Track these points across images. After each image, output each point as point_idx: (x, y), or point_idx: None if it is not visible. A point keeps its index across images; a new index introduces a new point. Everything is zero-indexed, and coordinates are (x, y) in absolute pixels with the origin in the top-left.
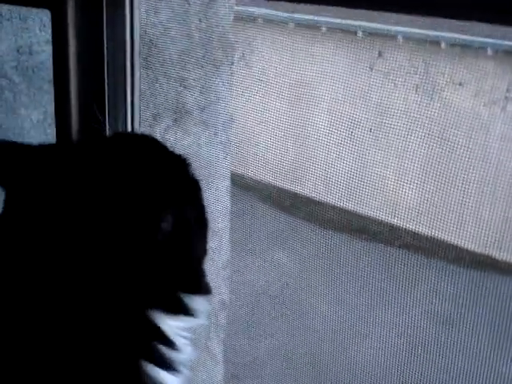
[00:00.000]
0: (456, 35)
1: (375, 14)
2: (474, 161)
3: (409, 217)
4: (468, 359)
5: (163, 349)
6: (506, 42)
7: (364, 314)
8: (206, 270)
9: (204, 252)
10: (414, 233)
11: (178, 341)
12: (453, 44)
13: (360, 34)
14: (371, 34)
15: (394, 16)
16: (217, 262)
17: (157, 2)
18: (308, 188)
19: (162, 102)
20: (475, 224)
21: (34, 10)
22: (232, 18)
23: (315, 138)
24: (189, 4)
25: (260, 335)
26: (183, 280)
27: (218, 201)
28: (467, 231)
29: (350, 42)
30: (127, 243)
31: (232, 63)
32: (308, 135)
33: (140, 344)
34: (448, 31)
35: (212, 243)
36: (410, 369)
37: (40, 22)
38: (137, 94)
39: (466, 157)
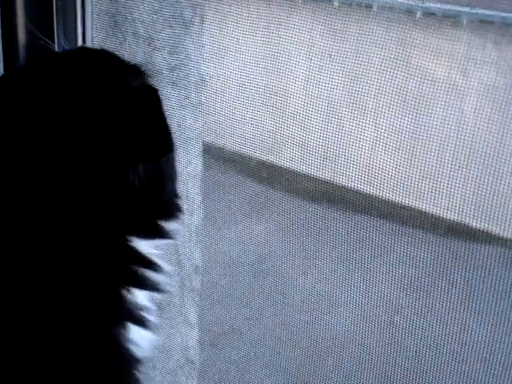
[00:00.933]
0: (432, 4)
1: None
2: (449, 129)
3: (385, 186)
4: (441, 325)
5: (144, 270)
6: (482, 11)
7: (340, 283)
8: (178, 232)
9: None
10: (390, 202)
11: (157, 261)
12: (428, 13)
13: (336, 3)
14: (347, 4)
15: None
16: (189, 226)
17: None
18: (284, 158)
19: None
20: (450, 192)
21: None
22: None
23: (291, 107)
24: None
25: (236, 305)
26: (158, 208)
27: (189, 164)
28: (442, 200)
29: (326, 11)
30: (103, 180)
31: (202, 23)
32: (283, 105)
33: (121, 268)
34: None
35: (184, 206)
36: (385, 336)
37: None
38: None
39: (441, 125)
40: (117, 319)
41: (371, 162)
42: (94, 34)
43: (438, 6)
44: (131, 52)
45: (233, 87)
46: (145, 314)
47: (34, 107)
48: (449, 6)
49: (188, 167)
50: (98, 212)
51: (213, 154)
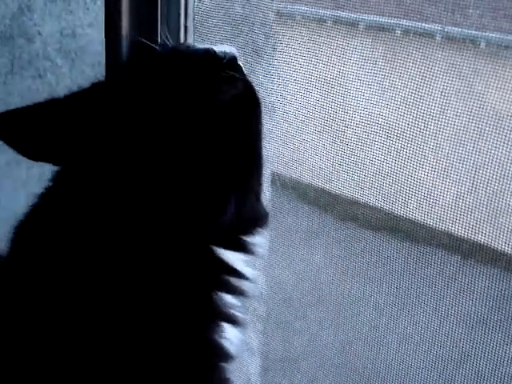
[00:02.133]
0: (496, 35)
1: (415, 11)
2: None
3: (445, 217)
4: (503, 361)
5: (233, 279)
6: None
7: (397, 316)
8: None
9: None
10: (450, 233)
11: (245, 270)
12: (491, 43)
13: (398, 31)
14: (409, 32)
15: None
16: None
17: None
18: (343, 187)
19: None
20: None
21: None
22: (274, 9)
23: (350, 135)
24: None
25: (291, 332)
26: (244, 222)
27: None
28: (502, 233)
29: (387, 39)
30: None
31: (274, 51)
32: (343, 133)
33: (210, 276)
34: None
35: (256, 269)
36: (443, 371)
37: (84, 5)
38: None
39: (503, 157)
40: (211, 320)
41: (431, 193)
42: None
43: (503, 36)
44: None
45: (295, 116)
46: (236, 313)
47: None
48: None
49: None
50: (190, 226)
51: (276, 182)
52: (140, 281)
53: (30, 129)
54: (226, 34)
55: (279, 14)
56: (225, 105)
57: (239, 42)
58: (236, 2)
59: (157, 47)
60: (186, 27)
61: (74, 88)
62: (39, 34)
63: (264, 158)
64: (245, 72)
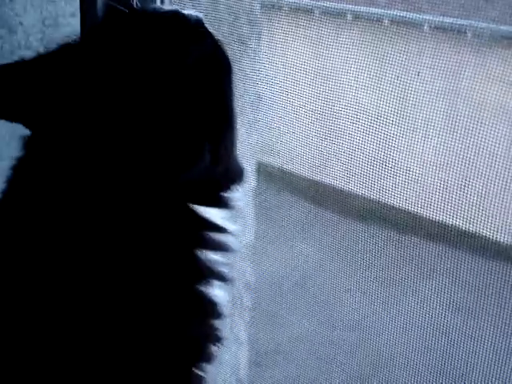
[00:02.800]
0: (483, 24)
1: (403, 2)
2: (500, 150)
3: (433, 206)
4: (489, 349)
5: (215, 235)
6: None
7: (386, 304)
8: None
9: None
10: (439, 222)
11: (226, 225)
12: (478, 34)
13: (386, 21)
14: (397, 22)
15: (423, 4)
16: (241, 243)
17: None
18: (332, 177)
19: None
20: (501, 214)
21: None
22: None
23: (339, 126)
24: None
25: (281, 323)
26: (221, 177)
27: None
28: (492, 221)
29: (375, 29)
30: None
31: (259, 41)
32: (332, 124)
33: (192, 232)
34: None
35: (237, 224)
36: (431, 359)
37: None
38: None
39: (491, 145)
40: (197, 276)
41: (419, 182)
42: None
43: (492, 26)
44: None
45: (283, 106)
46: (221, 269)
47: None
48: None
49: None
50: (167, 183)
51: (262, 172)
52: (120, 240)
53: (3, 86)
54: (209, 23)
55: (265, 4)
56: (195, 62)
57: (223, 30)
58: None
59: (127, 10)
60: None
61: None
62: (21, 24)
63: (236, 117)
64: (213, 35)
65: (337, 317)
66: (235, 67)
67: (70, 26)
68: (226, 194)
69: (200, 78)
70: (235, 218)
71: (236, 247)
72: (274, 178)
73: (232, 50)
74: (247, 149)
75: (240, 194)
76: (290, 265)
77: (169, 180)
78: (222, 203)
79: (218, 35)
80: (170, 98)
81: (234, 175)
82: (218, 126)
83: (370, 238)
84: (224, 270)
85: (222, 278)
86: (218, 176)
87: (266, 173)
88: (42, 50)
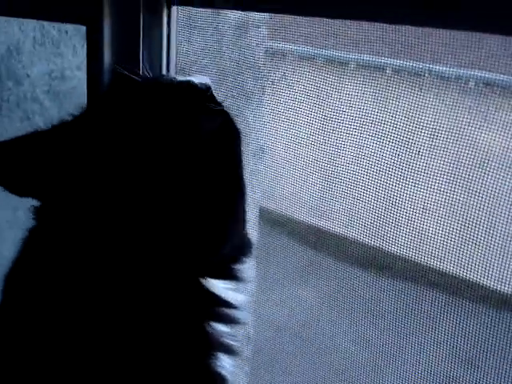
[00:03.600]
0: (485, 75)
1: (405, 51)
2: (501, 199)
3: (434, 255)
4: None
5: (224, 309)
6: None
7: (386, 353)
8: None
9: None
10: (440, 271)
11: (235, 299)
12: (478, 82)
13: (388, 71)
14: (399, 71)
15: (424, 54)
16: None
17: (189, 30)
18: (333, 223)
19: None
20: (502, 263)
21: (67, 36)
22: (263, 49)
23: (340, 173)
24: (221, 35)
25: (281, 371)
26: (233, 250)
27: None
28: (494, 271)
29: (378, 78)
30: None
31: (263, 94)
32: (333, 170)
33: (203, 309)
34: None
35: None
36: None
37: (72, 48)
38: None
39: (493, 194)
40: (206, 349)
41: (421, 231)
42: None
43: (488, 75)
44: None
45: (285, 154)
46: (229, 341)
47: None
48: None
49: None
50: (176, 257)
51: (263, 218)
52: (133, 314)
53: (13, 162)
54: (213, 75)
55: (268, 52)
56: (209, 136)
57: (228, 83)
58: (224, 45)
59: (137, 78)
60: (168, 65)
61: None
62: (28, 76)
63: (247, 187)
64: (220, 101)
65: (337, 366)
66: (239, 119)
67: (75, 78)
68: (235, 266)
69: (215, 150)
70: (244, 289)
71: (244, 319)
72: (276, 223)
73: (236, 103)
74: (251, 199)
75: (249, 265)
76: (290, 312)
77: (188, 258)
78: (232, 276)
79: (222, 88)
80: (185, 172)
81: (243, 247)
82: (234, 199)
83: (371, 286)
84: (232, 342)
85: (230, 350)
86: (229, 249)
87: (268, 218)
88: (47, 102)
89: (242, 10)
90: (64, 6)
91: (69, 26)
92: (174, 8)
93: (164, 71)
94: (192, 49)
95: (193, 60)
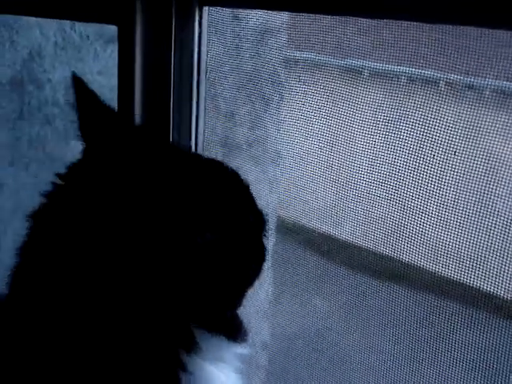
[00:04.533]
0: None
1: (420, 60)
2: None
3: (449, 264)
4: None
5: None
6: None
7: (401, 362)
8: (249, 310)
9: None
10: (454, 281)
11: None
12: (495, 91)
13: (403, 79)
14: (413, 80)
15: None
16: (259, 301)
17: (210, 36)
18: (346, 232)
19: (210, 135)
20: None
21: (88, 40)
22: (282, 55)
23: (354, 181)
24: (241, 40)
25: (294, 381)
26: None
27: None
28: (509, 281)
29: (393, 86)
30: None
31: (281, 100)
32: (347, 179)
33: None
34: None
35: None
36: None
37: (94, 53)
38: (201, 121)
39: (509, 205)
40: None
41: (435, 240)
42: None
43: (504, 84)
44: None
45: (301, 161)
46: None
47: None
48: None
49: None
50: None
51: (279, 226)
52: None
53: None
54: (235, 84)
55: (285, 60)
56: (236, 221)
57: (248, 89)
58: (243, 50)
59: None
60: (199, 65)
61: None
62: (49, 80)
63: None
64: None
65: (351, 375)
66: (258, 125)
67: (97, 82)
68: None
69: (241, 236)
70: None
71: None
72: (291, 231)
73: (255, 108)
74: (268, 206)
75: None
76: (304, 321)
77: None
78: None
79: (242, 94)
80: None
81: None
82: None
83: (384, 295)
84: None
85: None
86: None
87: (283, 227)
88: (68, 106)
89: (268, 9)
90: (95, 6)
91: (90, 31)
92: (205, 8)
93: (195, 71)
94: (212, 53)
95: (213, 65)
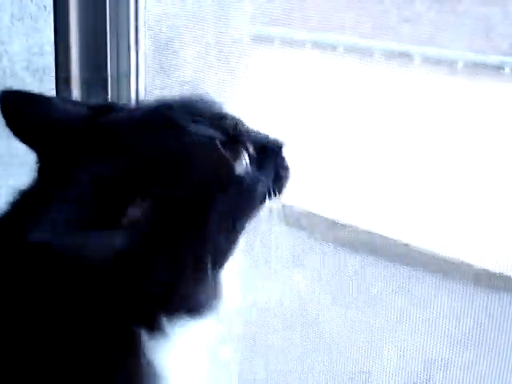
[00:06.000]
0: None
1: (396, 34)
2: (497, 181)
3: (427, 237)
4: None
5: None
6: None
7: (381, 335)
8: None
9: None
10: (431, 253)
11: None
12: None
13: (376, 54)
14: (387, 55)
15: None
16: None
17: (169, 4)
18: (325, 208)
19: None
20: (494, 244)
21: (45, 11)
22: (247, 22)
23: (330, 156)
24: (204, 10)
25: (274, 355)
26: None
27: None
28: (486, 252)
29: (366, 62)
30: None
31: (247, 69)
32: (323, 155)
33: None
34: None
35: None
36: None
37: (51, 24)
38: (142, 77)
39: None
40: None
41: (413, 213)
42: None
43: None
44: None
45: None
46: None
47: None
48: None
49: None
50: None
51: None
52: None
53: None
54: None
55: (256, 37)
56: None
57: (211, 57)
58: (207, 20)
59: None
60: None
61: None
62: (6, 52)
63: None
64: None
65: (329, 347)
66: (224, 95)
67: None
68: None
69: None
70: None
71: None
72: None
73: (220, 79)
74: None
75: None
76: (280, 295)
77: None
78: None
79: (205, 64)
80: None
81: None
82: None
83: (362, 269)
84: None
85: None
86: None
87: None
88: (27, 78)
89: None
90: None
91: (47, 1)
92: None
93: (132, 26)
94: (173, 22)
95: (176, 34)
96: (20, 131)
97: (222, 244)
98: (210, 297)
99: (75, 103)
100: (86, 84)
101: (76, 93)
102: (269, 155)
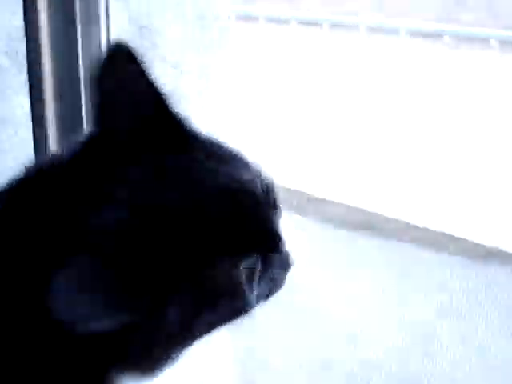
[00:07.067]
0: None
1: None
2: (486, 157)
3: (418, 212)
4: (479, 353)
5: None
6: None
7: (373, 309)
8: None
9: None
10: (423, 228)
11: None
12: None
13: (362, 29)
14: (373, 30)
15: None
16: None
17: None
18: (315, 186)
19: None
20: (483, 218)
21: None
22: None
23: (318, 135)
24: None
25: (268, 324)
26: None
27: None
28: (476, 225)
29: (352, 38)
30: None
31: (229, 47)
32: (310, 133)
33: None
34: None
35: None
36: (419, 364)
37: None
38: None
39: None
40: None
41: (404, 189)
42: None
43: None
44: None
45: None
46: None
47: None
48: None
49: None
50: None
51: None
52: None
53: None
54: (179, 31)
55: (241, 15)
56: None
57: (194, 39)
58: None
59: None
60: None
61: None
62: None
63: None
64: None
65: (324, 324)
66: (207, 74)
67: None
68: None
69: None
70: None
71: None
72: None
73: (202, 58)
74: None
75: None
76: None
77: None
78: None
79: (187, 43)
80: None
81: None
82: None
83: (354, 246)
84: None
85: None
86: None
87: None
88: (6, 62)
89: None
90: None
91: None
92: None
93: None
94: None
95: (155, 16)
96: (111, 98)
97: (196, 336)
98: (166, 363)
99: None
100: None
101: None
102: (276, 272)
